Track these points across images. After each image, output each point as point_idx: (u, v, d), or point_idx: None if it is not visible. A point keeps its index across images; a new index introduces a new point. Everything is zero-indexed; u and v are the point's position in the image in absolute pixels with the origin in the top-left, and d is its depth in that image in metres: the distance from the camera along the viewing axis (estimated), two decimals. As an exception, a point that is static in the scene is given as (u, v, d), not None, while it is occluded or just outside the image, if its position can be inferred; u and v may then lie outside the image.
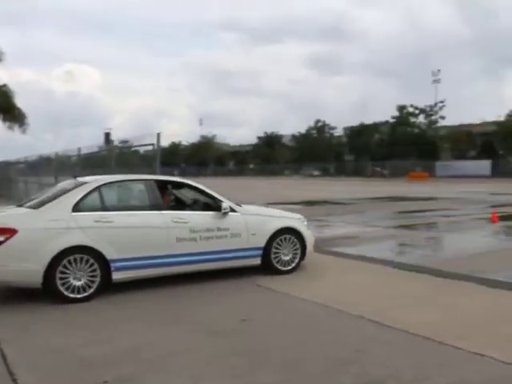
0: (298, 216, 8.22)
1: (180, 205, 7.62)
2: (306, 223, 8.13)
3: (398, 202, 23.61)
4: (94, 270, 6.21)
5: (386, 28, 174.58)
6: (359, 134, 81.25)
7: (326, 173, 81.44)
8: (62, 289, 6.04)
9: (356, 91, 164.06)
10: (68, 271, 6.07)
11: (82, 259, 6.15)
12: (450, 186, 38.45)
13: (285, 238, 7.58)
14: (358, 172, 73.92)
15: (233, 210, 7.24)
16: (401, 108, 76.24)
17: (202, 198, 7.56)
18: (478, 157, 68.38)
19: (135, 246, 6.51)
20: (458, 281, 6.90)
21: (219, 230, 7.07)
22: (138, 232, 6.60)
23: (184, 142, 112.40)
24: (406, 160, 69.59)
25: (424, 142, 71.98)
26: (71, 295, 6.08)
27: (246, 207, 7.70)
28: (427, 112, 75.25)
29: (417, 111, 75.89)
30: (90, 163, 15.18)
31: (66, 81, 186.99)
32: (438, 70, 77.24)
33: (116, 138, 23.76)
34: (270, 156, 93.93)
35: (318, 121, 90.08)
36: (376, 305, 5.75)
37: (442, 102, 74.73)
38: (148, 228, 6.66)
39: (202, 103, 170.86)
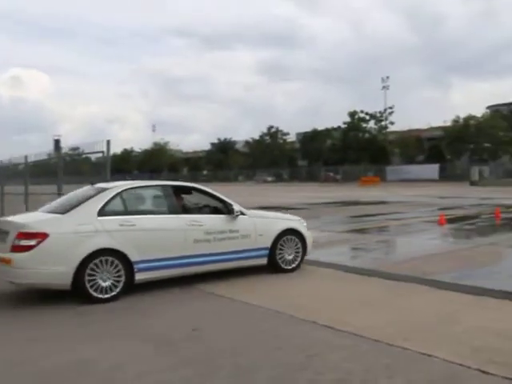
0: (298, 218, 8.77)
1: (194, 208, 7.99)
2: (305, 224, 8.63)
3: (351, 206, 24.03)
4: (119, 272, 6.50)
5: (335, 35, 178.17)
6: (312, 140, 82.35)
7: (279, 178, 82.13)
8: (90, 290, 6.29)
9: (308, 97, 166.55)
10: (95, 273, 6.34)
11: (108, 261, 6.43)
12: (400, 190, 39.42)
13: (288, 239, 8.13)
14: (311, 177, 74.83)
15: (242, 214, 7.72)
16: (352, 114, 77.69)
17: (212, 202, 7.95)
18: (427, 161, 70.40)
19: (156, 247, 6.86)
20: (408, 283, 7.05)
21: (231, 231, 7.56)
22: (159, 234, 6.95)
23: (137, 149, 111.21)
24: (358, 165, 70.96)
25: (375, 147, 73.66)
26: (99, 296, 6.34)
27: (252, 211, 8.31)
28: (377, 117, 76.97)
29: (367, 117, 77.49)
30: (39, 171, 14.80)
31: (13, 86, 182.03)
32: (387, 77, 79.37)
33: (66, 145, 23.28)
34: (223, 162, 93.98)
35: (270, 127, 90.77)
36: (328, 309, 5.81)
37: (390, 107, 76.79)
38: (167, 231, 7.03)
39: (155, 109, 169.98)
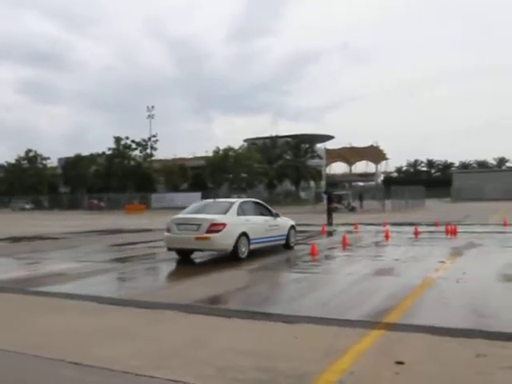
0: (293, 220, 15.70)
1: (258, 212, 14.05)
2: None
3: (114, 234, 23.56)
4: (246, 244, 12.52)
5: (104, 61, 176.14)
6: (75, 166, 79.02)
7: (39, 206, 76.59)
8: (239, 253, 12.22)
9: (74, 122, 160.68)
10: (240, 244, 12.26)
11: (243, 238, 12.42)
12: (164, 218, 39.96)
13: (291, 230, 15.08)
14: (74, 205, 71.41)
15: (279, 216, 14.54)
16: (117, 140, 76.84)
17: (265, 210, 14.38)
18: (190, 189, 72.97)
19: (256, 232, 13.03)
20: (161, 310, 7.10)
21: (276, 225, 14.22)
22: (257, 226, 13.25)
23: None
24: (124, 192, 70.24)
25: (140, 175, 73.84)
26: (241, 256, 12.27)
27: (281, 216, 14.90)
28: (142, 145, 77.44)
29: (133, 144, 77.47)
30: None
31: None
32: (152, 106, 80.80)
33: None
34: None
35: (29, 150, 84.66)
36: (78, 344, 5.50)
37: (154, 136, 77.94)
38: (259, 224, 13.42)
39: None
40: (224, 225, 11.91)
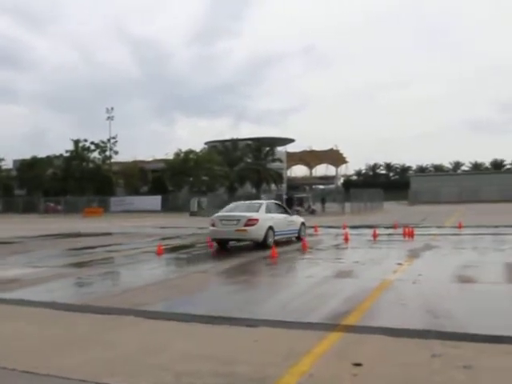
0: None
1: (282, 212, 18.01)
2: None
3: (72, 238, 23.05)
4: (272, 235, 15.99)
5: (61, 59, 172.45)
6: (31, 168, 76.96)
7: (-7, 209, 74.16)
8: (267, 242, 15.60)
9: (29, 122, 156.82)
10: (268, 235, 15.79)
11: (270, 231, 15.95)
12: (123, 221, 39.53)
13: (302, 226, 18.62)
14: (29, 208, 69.37)
15: (293, 214, 19.36)
16: (76, 142, 75.24)
17: (283, 210, 18.44)
18: (151, 192, 72.11)
19: (279, 226, 16.61)
20: (118, 316, 6.96)
21: (292, 221, 18.04)
22: (279, 221, 16.83)
23: None
24: (83, 195, 68.84)
25: (100, 177, 72.54)
26: (269, 244, 15.41)
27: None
28: (102, 147, 76.01)
29: (92, 146, 75.95)
30: None
31: None
32: (112, 108, 79.30)
33: None
34: None
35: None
36: (30, 353, 5.33)
37: (114, 138, 76.57)
38: (281, 219, 17.06)
39: None
40: (257, 220, 15.52)
